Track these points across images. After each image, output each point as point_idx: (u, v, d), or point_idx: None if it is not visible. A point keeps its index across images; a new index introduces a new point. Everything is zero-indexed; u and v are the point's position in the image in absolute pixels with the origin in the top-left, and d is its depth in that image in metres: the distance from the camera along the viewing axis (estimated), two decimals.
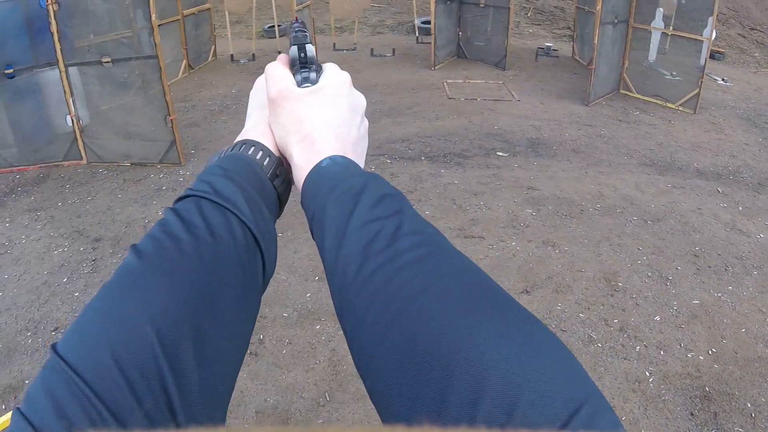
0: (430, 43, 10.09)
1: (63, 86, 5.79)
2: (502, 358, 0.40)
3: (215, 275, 0.54)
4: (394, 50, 10.88)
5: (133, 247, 0.54)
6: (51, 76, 5.78)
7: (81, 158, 6.14)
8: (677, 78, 8.30)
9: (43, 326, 3.85)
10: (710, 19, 7.66)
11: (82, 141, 6.07)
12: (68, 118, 5.94)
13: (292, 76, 0.75)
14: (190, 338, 0.48)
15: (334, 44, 11.02)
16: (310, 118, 0.70)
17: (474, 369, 0.39)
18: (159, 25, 5.84)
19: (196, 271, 0.52)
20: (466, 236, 4.93)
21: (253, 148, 0.70)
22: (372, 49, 10.85)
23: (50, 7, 5.38)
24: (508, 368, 0.39)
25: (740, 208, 5.59)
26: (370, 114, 7.73)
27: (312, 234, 0.64)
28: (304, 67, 0.75)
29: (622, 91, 8.90)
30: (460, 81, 9.41)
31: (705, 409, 3.34)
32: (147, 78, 5.99)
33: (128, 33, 6.16)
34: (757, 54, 11.82)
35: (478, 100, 8.53)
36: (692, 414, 3.30)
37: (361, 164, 0.72)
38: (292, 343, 3.76)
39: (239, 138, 0.73)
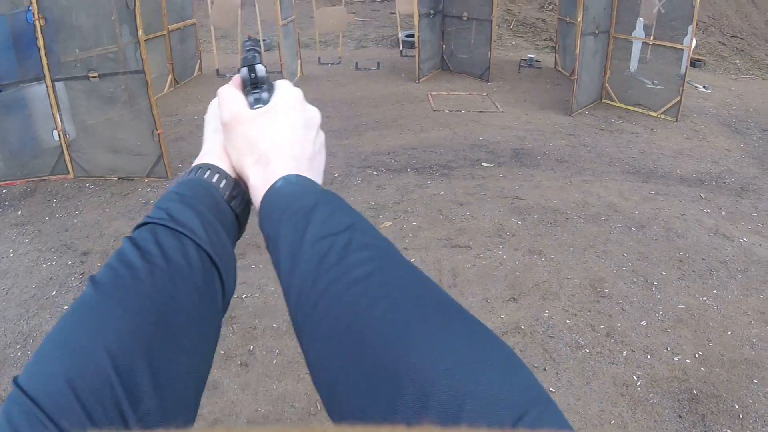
0: (414, 56, 10.16)
1: (49, 101, 5.78)
2: (447, 368, 0.41)
3: (170, 301, 0.55)
4: (378, 63, 10.94)
5: (91, 277, 0.56)
6: (37, 90, 5.76)
7: (68, 173, 6.12)
8: (659, 86, 8.41)
9: (33, 339, 3.84)
10: (690, 27, 7.78)
11: (69, 155, 6.06)
12: (55, 132, 5.92)
13: (243, 98, 0.75)
14: (145, 363, 0.49)
15: (319, 58, 11.05)
16: (263, 139, 0.71)
17: (420, 379, 0.41)
18: (145, 40, 5.85)
19: (150, 298, 0.53)
20: (453, 246, 4.96)
21: (209, 172, 0.71)
22: (357, 63, 10.90)
23: (37, 22, 5.39)
24: (452, 378, 0.40)
25: (723, 213, 5.66)
26: (355, 126, 7.85)
27: (270, 255, 0.65)
28: (256, 88, 0.76)
29: (604, 101, 9.00)
30: (444, 93, 9.48)
31: (693, 411, 3.38)
32: (133, 93, 5.99)
33: (114, 48, 6.17)
34: (737, 61, 12.00)
35: (463, 111, 8.60)
36: (680, 416, 3.35)
37: (319, 178, 0.73)
38: (282, 353, 3.77)
39: (196, 162, 0.74)
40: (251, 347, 3.79)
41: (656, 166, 6.77)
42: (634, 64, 8.64)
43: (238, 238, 0.73)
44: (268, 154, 0.70)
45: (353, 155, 6.83)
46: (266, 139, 0.71)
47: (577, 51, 7.98)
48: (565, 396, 3.47)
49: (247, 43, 0.84)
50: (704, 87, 9.99)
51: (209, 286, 0.61)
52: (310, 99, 0.78)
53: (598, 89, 8.94)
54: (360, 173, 6.28)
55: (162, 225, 0.61)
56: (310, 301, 0.53)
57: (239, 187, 0.72)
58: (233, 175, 0.72)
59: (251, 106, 0.74)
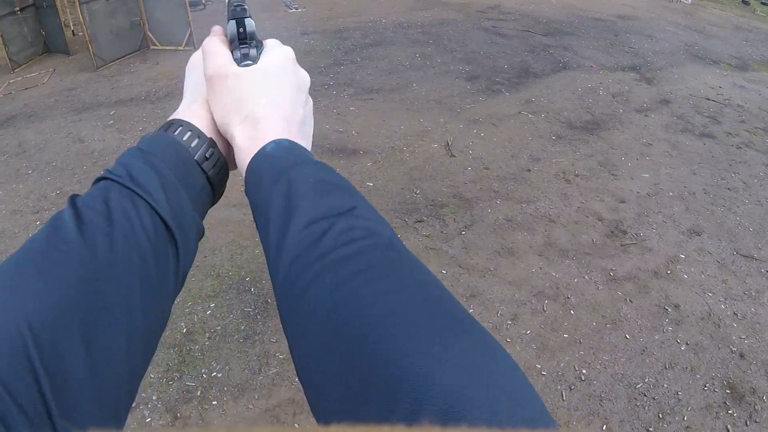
0: None
1: None
2: (449, 381, 0.36)
3: (107, 270, 0.48)
4: None
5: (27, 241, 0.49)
6: None
7: None
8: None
9: None
10: None
11: None
12: None
13: (230, 53, 0.68)
14: (70, 339, 0.43)
15: None
16: (252, 98, 0.65)
17: (420, 388, 0.36)
18: None
19: (83, 266, 0.47)
20: None
21: (180, 129, 0.63)
22: None
23: None
24: (453, 390, 0.36)
25: None
26: None
27: (256, 225, 0.59)
28: (244, 43, 0.68)
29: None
30: None
31: None
32: None
33: None
34: None
35: None
36: None
37: (308, 145, 0.68)
38: None
39: (172, 116, 0.67)
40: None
41: None
42: None
43: (212, 205, 0.67)
44: (257, 113, 0.64)
45: None
46: (255, 98, 0.65)
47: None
48: None
49: None
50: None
51: (160, 257, 0.54)
52: None
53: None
54: None
55: (117, 182, 0.55)
56: (298, 284, 0.47)
57: (214, 147, 0.65)
58: (209, 135, 0.65)
59: (239, 62, 0.67)
